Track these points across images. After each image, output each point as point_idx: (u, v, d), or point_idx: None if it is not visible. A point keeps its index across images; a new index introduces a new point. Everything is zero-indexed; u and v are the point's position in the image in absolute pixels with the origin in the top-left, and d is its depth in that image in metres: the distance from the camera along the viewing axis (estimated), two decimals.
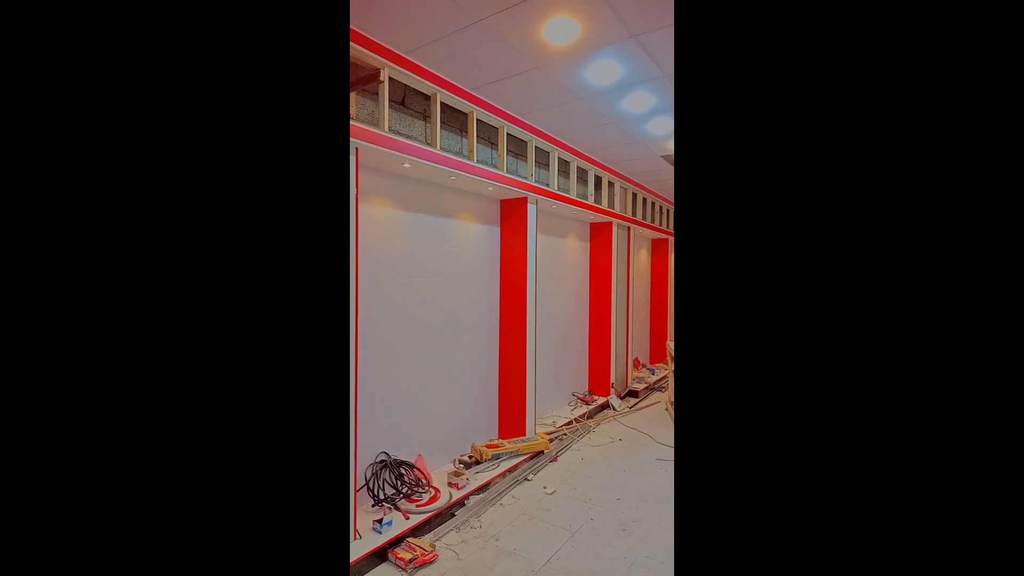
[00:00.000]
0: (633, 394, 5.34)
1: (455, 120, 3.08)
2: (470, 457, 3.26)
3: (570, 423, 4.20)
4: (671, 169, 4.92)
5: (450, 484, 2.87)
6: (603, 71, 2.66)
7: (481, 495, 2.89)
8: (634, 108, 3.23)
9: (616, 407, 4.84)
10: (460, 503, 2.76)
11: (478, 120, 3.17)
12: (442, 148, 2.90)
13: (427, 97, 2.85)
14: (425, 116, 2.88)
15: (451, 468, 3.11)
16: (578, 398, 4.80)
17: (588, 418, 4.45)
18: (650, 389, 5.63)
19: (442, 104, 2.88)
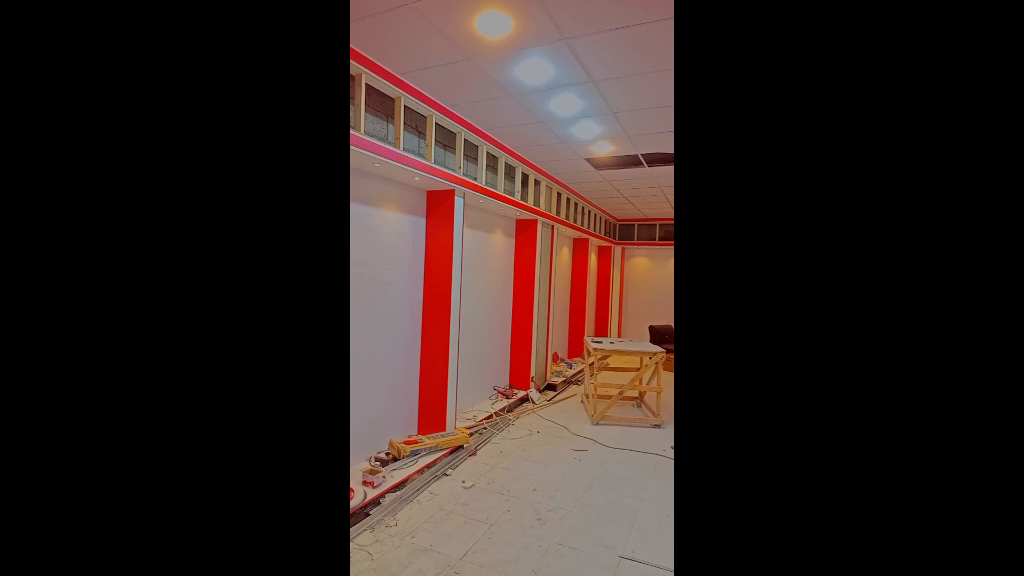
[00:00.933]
0: (552, 387, 5.51)
1: (381, 105, 2.95)
2: (387, 454, 3.16)
3: (490, 417, 4.24)
4: (595, 172, 5.12)
5: (365, 483, 2.77)
6: (534, 70, 2.69)
7: (398, 492, 2.82)
8: (562, 110, 3.31)
9: (535, 400, 4.97)
10: (375, 502, 2.67)
11: (406, 107, 3.06)
12: (366, 132, 2.77)
13: (352, 77, 2.70)
14: (349, 97, 2.73)
15: (367, 466, 3.00)
16: (499, 392, 4.86)
17: (508, 411, 4.52)
18: (568, 382, 5.85)
19: (367, 86, 2.75)
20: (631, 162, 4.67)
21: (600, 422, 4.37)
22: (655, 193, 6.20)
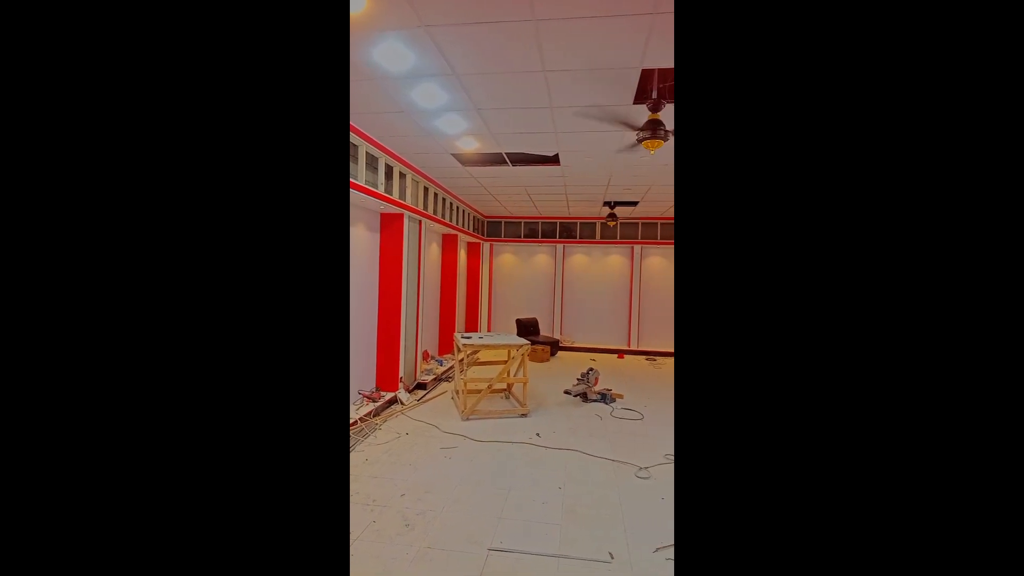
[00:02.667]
0: (422, 386, 5.38)
1: None
2: None
3: (355, 423, 3.97)
4: (462, 168, 5.11)
5: None
6: (393, 55, 2.55)
7: None
8: (425, 101, 3.21)
9: (404, 401, 4.80)
10: None
11: None
12: None
13: None
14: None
15: None
16: (364, 396, 4.58)
17: (375, 416, 4.29)
18: (439, 380, 5.78)
19: None
20: (496, 160, 4.76)
21: (470, 417, 4.40)
22: (520, 193, 6.44)
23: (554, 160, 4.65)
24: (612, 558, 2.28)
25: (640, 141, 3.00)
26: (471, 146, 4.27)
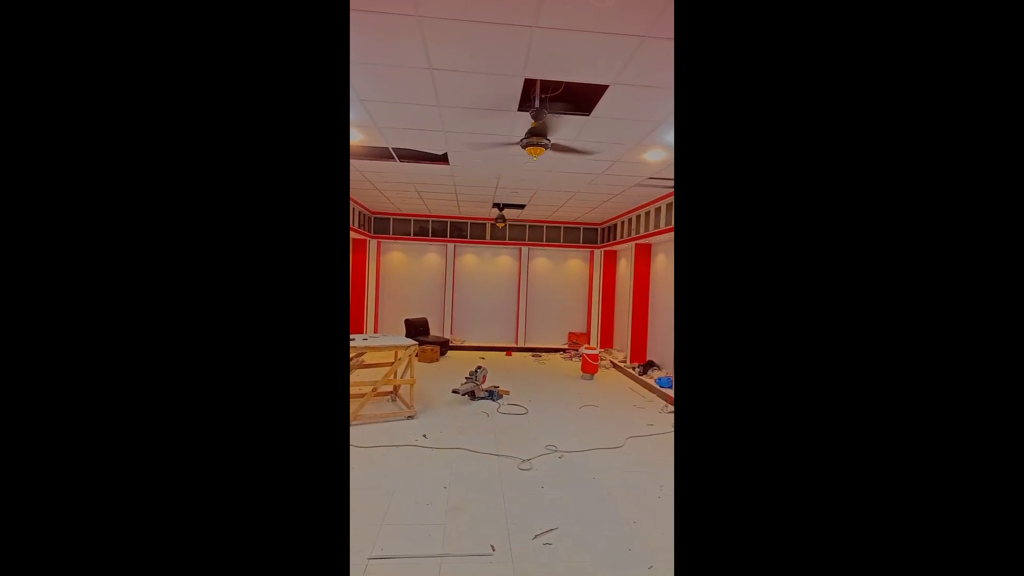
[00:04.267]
0: None
1: None
2: None
3: None
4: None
5: None
6: None
7: None
8: None
9: None
10: None
11: None
12: None
13: None
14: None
15: None
16: None
17: None
18: None
19: None
20: (383, 155, 4.59)
21: (355, 423, 4.18)
22: (409, 190, 6.30)
23: (443, 159, 4.63)
24: (494, 550, 2.35)
25: (524, 147, 3.13)
26: (355, 138, 4.07)
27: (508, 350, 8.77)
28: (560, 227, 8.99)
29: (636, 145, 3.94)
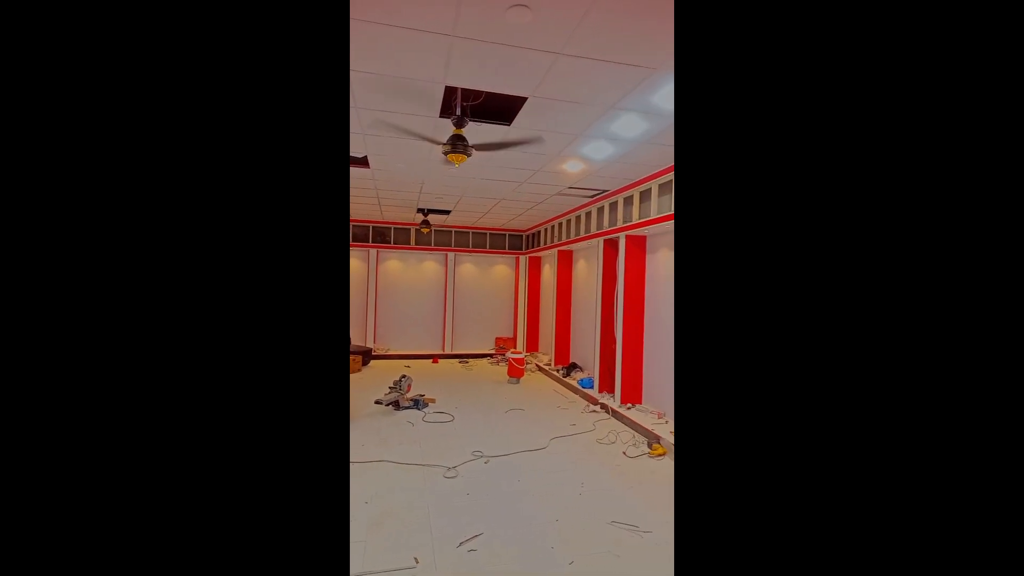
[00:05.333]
0: None
1: None
2: None
3: None
4: None
5: None
6: None
7: None
8: None
9: None
10: None
11: None
12: None
13: None
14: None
15: None
16: None
17: None
18: None
19: None
20: None
21: None
22: None
23: (363, 162, 4.49)
24: (417, 563, 2.30)
25: (445, 154, 3.13)
26: None
27: (435, 357, 8.65)
28: (486, 233, 9.06)
29: (556, 156, 4.09)
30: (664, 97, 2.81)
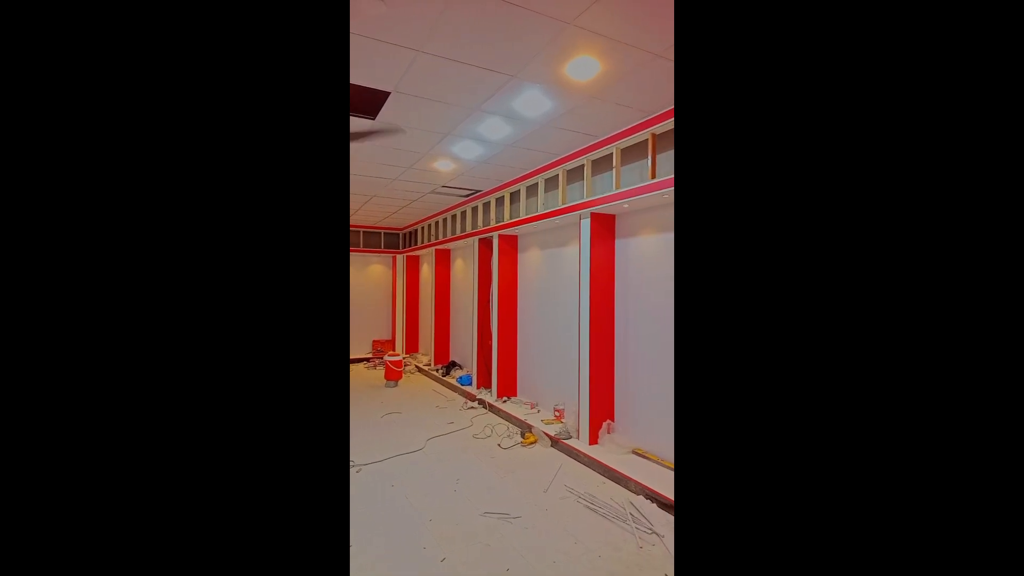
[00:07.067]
0: None
1: None
2: None
3: None
4: None
5: None
6: None
7: None
8: None
9: None
10: None
11: None
12: None
13: None
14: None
15: None
16: None
17: None
18: None
19: None
20: None
21: None
22: None
23: None
24: None
25: None
26: None
27: None
28: (359, 231, 8.63)
29: (427, 153, 4.06)
30: (523, 104, 2.96)
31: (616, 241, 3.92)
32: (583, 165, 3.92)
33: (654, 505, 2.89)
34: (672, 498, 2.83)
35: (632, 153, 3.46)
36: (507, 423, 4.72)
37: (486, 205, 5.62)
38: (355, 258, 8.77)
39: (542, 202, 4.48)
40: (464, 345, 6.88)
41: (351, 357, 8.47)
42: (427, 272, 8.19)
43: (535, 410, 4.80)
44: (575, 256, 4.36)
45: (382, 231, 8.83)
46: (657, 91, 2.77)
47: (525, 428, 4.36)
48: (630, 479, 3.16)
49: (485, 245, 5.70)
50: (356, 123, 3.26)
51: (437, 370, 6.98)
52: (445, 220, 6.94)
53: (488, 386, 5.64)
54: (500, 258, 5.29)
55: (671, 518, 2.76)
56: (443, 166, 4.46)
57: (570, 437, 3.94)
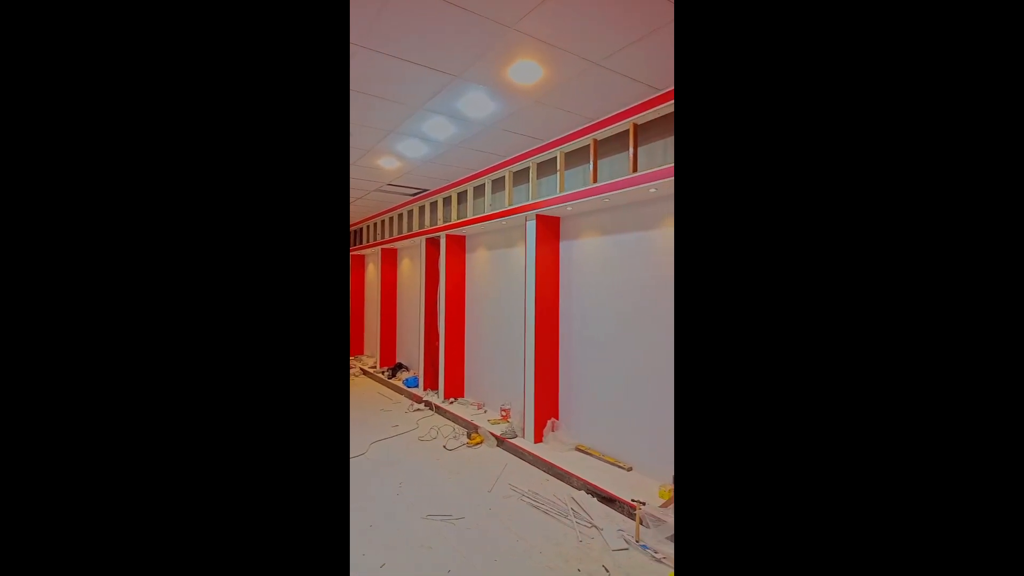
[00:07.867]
0: None
1: None
2: None
3: None
4: None
5: None
6: None
7: None
8: None
9: None
10: None
11: None
12: None
13: None
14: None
15: None
16: None
17: None
18: None
19: None
20: None
21: None
22: None
23: None
24: None
25: None
26: None
27: None
28: None
29: (371, 150, 3.96)
30: (467, 104, 2.96)
31: (561, 243, 4.00)
32: (529, 167, 3.97)
33: (594, 499, 2.97)
34: (610, 491, 2.93)
35: (575, 157, 3.55)
36: (453, 424, 4.69)
37: (433, 205, 5.56)
38: None
39: (489, 203, 4.50)
40: (411, 346, 6.76)
41: None
42: (373, 272, 7.97)
43: (482, 410, 4.80)
44: (522, 257, 4.41)
45: None
46: (598, 98, 2.86)
47: (471, 429, 4.35)
48: (572, 475, 3.24)
49: (432, 245, 5.64)
50: None
51: (383, 372, 6.81)
52: (391, 219, 6.79)
53: (435, 388, 5.57)
54: (448, 258, 5.25)
55: (610, 511, 2.85)
56: (388, 164, 4.36)
57: (516, 436, 3.97)
